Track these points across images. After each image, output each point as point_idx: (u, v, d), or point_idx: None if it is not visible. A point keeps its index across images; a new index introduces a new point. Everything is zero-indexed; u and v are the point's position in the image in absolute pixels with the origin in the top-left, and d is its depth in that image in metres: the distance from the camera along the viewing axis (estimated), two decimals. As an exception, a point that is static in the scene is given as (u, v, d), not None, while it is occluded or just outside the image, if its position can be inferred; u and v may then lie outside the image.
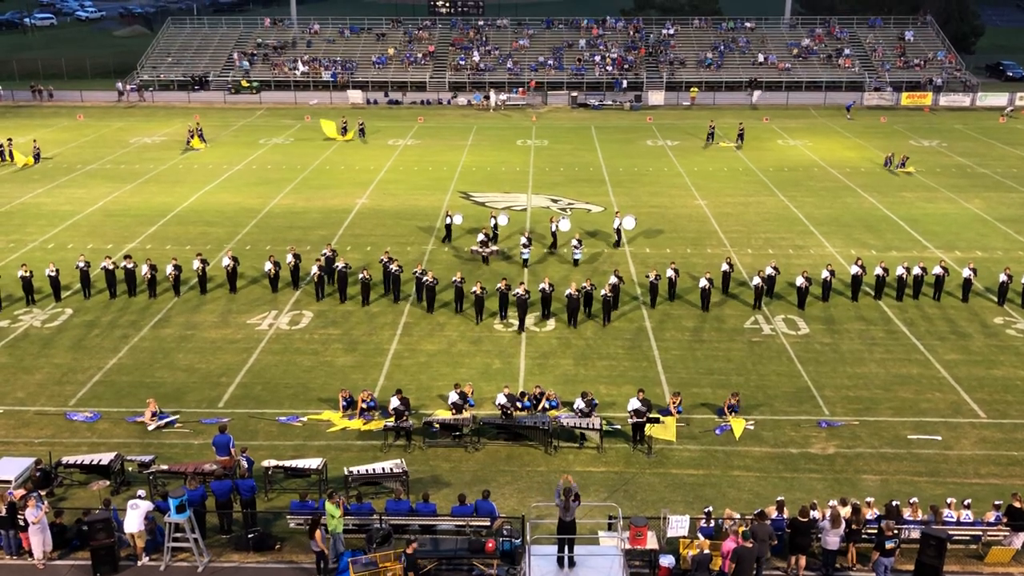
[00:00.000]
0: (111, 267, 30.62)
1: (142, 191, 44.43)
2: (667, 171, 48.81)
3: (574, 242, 33.63)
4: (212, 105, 69.58)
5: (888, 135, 57.34)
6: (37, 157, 49.99)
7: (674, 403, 23.15)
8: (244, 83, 73.24)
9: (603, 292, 28.64)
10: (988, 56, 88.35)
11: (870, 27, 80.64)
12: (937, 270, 30.59)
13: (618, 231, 35.90)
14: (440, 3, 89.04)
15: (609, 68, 75.01)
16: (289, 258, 31.52)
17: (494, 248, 34.34)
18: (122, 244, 36.11)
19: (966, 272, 30.50)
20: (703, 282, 29.68)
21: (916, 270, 30.74)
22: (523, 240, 33.59)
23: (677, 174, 48.08)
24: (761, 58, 76.15)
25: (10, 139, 51.54)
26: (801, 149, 54.27)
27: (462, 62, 76.03)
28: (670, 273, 30.34)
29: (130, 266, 30.81)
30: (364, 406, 23.01)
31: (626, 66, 75.25)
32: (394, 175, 47.91)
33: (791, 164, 50.28)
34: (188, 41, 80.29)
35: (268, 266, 31.04)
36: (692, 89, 71.11)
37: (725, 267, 31.04)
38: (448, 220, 36.47)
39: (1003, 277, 30.16)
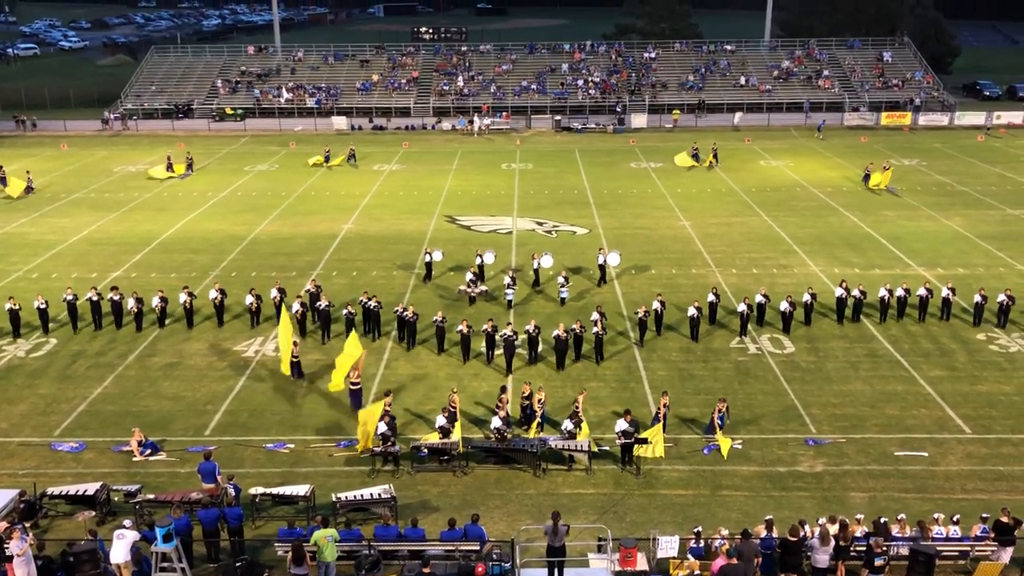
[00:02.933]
0: (95, 298, 30.10)
1: (127, 219, 44.35)
2: (651, 193, 49.16)
3: (560, 280, 32.28)
4: (196, 133, 69.65)
5: (869, 155, 57.90)
6: (29, 188, 49.56)
7: (663, 405, 23.16)
8: (228, 110, 73.41)
9: (595, 331, 27.43)
10: (965, 76, 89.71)
11: (849, 48, 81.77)
12: (921, 291, 30.46)
13: (602, 268, 34.39)
14: (424, 30, 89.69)
15: (592, 92, 75.66)
16: (274, 292, 30.53)
17: (483, 288, 32.81)
18: (107, 273, 35.99)
19: (944, 292, 30.51)
20: (691, 311, 28.98)
21: (899, 291, 30.56)
22: (507, 280, 32.08)
23: (661, 195, 48.42)
24: (743, 80, 77.01)
25: (1, 166, 51.54)
26: (783, 169, 54.79)
27: (446, 87, 76.51)
28: (656, 305, 29.40)
29: (116, 298, 30.29)
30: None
31: (610, 90, 75.88)
32: (380, 200, 48.03)
33: (773, 184, 50.74)
34: (172, 70, 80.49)
35: (249, 300, 30.34)
36: (675, 112, 71.80)
37: (711, 297, 30.22)
38: (427, 259, 34.89)
39: (977, 298, 30.06)
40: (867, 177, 49.96)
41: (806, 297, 30.35)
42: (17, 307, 29.57)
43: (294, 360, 26.56)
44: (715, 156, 55.82)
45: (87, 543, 17.27)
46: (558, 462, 21.98)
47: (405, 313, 28.60)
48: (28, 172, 51.47)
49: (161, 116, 74.01)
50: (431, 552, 17.91)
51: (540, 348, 27.98)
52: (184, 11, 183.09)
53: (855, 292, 30.50)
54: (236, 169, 56.06)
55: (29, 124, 71.32)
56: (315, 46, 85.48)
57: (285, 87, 76.35)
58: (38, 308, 29.83)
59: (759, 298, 30.16)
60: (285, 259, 37.78)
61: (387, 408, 22.89)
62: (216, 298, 30.46)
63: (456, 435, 22.16)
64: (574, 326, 27.57)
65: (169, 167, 54.34)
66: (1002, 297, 30.03)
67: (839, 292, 30.48)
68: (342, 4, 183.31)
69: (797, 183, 50.99)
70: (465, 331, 27.42)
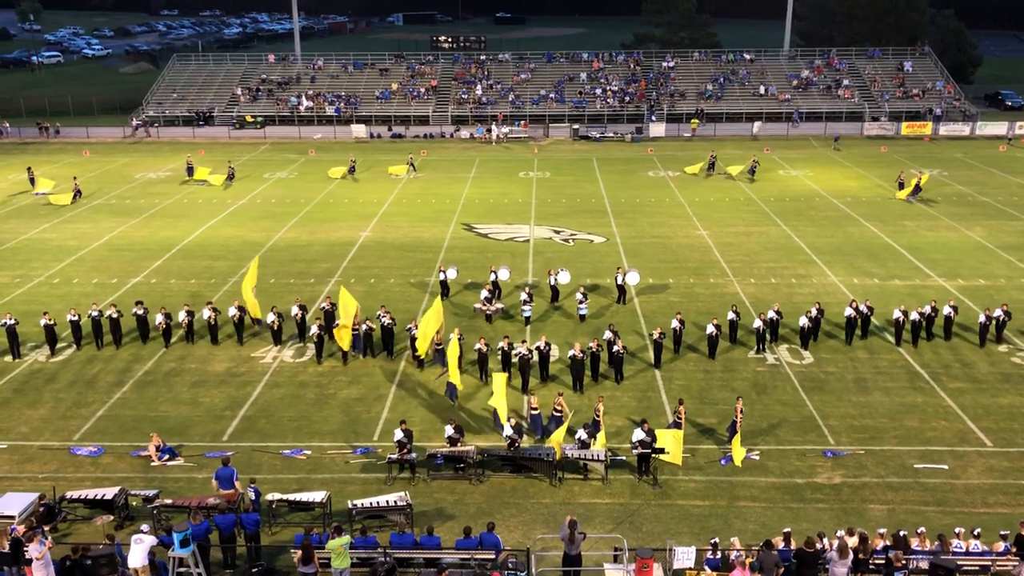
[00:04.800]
0: (115, 315, 29.28)
1: (147, 225, 44.72)
2: (668, 201, 49.06)
3: (579, 296, 31.48)
4: (216, 140, 70.22)
5: (889, 164, 57.60)
6: (77, 194, 49.83)
7: (679, 413, 23.06)
8: (248, 118, 73.94)
9: (616, 349, 26.57)
10: (987, 86, 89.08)
11: (869, 58, 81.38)
12: (926, 309, 29.40)
13: (621, 287, 33.28)
14: (443, 39, 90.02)
15: (610, 101, 75.67)
16: (295, 310, 29.86)
17: (499, 306, 31.90)
18: (127, 279, 36.28)
19: (947, 309, 29.59)
20: (710, 328, 28.20)
21: (914, 315, 29.08)
22: (523, 296, 31.15)
23: (678, 204, 48.32)
24: (762, 90, 76.77)
25: (30, 167, 53.43)
26: (802, 179, 54.54)
27: (464, 96, 76.75)
28: (675, 324, 28.61)
29: (141, 312, 29.58)
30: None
31: (627, 99, 75.92)
32: (397, 208, 48.19)
33: (792, 194, 50.52)
34: (193, 77, 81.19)
35: (271, 318, 29.31)
36: (693, 120, 71.67)
37: (732, 316, 29.25)
38: (441, 276, 33.72)
39: (982, 318, 29.04)
40: (901, 186, 49.61)
41: (813, 311, 29.22)
42: (52, 322, 28.90)
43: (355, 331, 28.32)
44: (753, 170, 54.60)
45: (105, 547, 17.38)
46: (574, 471, 21.92)
47: (410, 327, 28.15)
48: (75, 178, 51.91)
49: (182, 123, 74.65)
50: (446, 560, 17.91)
51: (555, 364, 27.40)
52: (206, 20, 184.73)
53: (862, 307, 29.37)
54: (256, 176, 56.38)
55: (52, 131, 72.20)
56: (335, 54, 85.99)
57: (305, 95, 76.83)
58: (71, 321, 29.23)
59: (772, 314, 29.14)
60: (303, 266, 37.93)
61: (557, 409, 23.23)
62: (235, 315, 29.61)
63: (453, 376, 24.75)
64: (591, 344, 26.86)
65: (190, 170, 55.11)
66: (998, 312, 29.22)
67: (848, 312, 29.31)
68: (362, 13, 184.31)
69: (816, 193, 50.74)
70: (484, 349, 26.78)
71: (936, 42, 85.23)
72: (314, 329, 28.66)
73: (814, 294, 33.56)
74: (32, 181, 51.83)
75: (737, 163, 56.57)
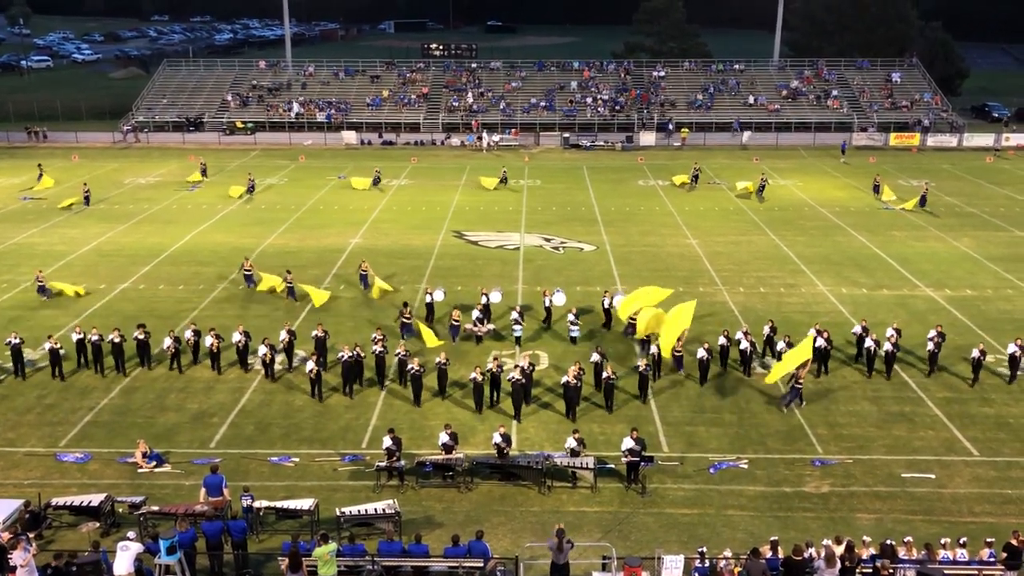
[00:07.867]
0: (118, 339, 27.83)
1: (136, 231, 44.55)
2: (658, 210, 49.21)
3: (571, 317, 30.11)
4: (207, 146, 70.04)
5: (877, 175, 57.86)
6: (86, 199, 49.64)
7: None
8: (239, 124, 73.84)
9: (605, 375, 25.58)
10: (974, 97, 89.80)
11: (857, 69, 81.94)
12: (857, 330, 28.48)
13: (607, 311, 31.59)
14: (434, 46, 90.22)
15: (600, 110, 75.92)
16: (283, 335, 28.12)
17: (490, 327, 30.75)
18: (115, 284, 36.12)
19: (889, 331, 27.82)
20: (701, 352, 27.07)
21: (887, 346, 27.43)
22: (514, 315, 30.17)
23: (668, 213, 48.47)
24: (751, 99, 77.17)
25: (40, 164, 55.16)
26: (791, 189, 54.80)
27: (455, 103, 76.86)
28: (654, 349, 27.75)
29: (142, 336, 28.30)
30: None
31: (617, 107, 76.20)
32: (388, 215, 48.17)
33: (781, 203, 50.74)
34: (183, 83, 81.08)
35: (263, 350, 27.38)
36: (683, 130, 71.95)
37: (723, 340, 27.80)
38: (428, 298, 32.19)
39: (930, 346, 27.57)
40: (877, 188, 49.86)
41: (766, 330, 28.61)
42: (58, 346, 27.78)
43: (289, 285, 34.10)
44: (762, 188, 52.50)
45: (90, 555, 17.26)
46: (563, 479, 21.91)
47: (412, 368, 25.82)
48: (85, 183, 51.74)
49: (172, 129, 74.48)
50: (435, 568, 17.88)
51: (540, 390, 26.57)
52: (196, 25, 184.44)
53: (820, 341, 27.46)
54: (245, 182, 56.15)
55: (41, 135, 71.90)
56: (326, 61, 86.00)
57: (296, 101, 76.80)
58: (76, 339, 28.31)
59: (740, 335, 28.10)
60: (292, 272, 37.73)
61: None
62: (240, 341, 28.12)
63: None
64: (574, 367, 25.51)
65: (203, 172, 56.67)
66: (932, 332, 27.98)
67: (820, 342, 27.77)
68: (353, 20, 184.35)
69: (805, 202, 50.97)
70: (479, 378, 25.13)
71: (924, 54, 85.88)
72: (311, 365, 26.56)
73: (803, 303, 33.70)
74: (40, 178, 53.25)
75: (729, 175, 56.68)
